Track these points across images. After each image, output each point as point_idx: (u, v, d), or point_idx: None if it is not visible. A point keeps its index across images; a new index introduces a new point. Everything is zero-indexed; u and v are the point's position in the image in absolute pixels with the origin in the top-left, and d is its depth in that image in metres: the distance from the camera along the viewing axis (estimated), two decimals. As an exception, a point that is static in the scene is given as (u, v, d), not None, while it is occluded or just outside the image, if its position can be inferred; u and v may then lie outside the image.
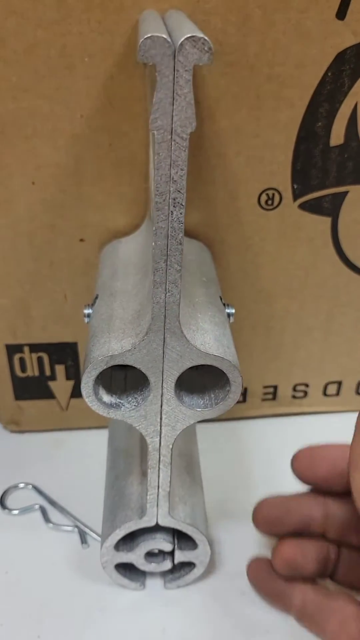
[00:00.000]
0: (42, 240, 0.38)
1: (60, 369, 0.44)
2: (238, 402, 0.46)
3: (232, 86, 0.34)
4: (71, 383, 0.44)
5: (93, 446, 0.44)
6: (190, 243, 0.37)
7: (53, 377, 0.44)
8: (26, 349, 0.42)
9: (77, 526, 0.39)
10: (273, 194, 0.37)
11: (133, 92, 0.34)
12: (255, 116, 0.35)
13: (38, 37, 0.32)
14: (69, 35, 0.32)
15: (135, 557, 0.34)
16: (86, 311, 0.33)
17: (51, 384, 0.44)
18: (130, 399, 0.29)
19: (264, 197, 0.37)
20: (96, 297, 0.33)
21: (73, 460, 0.44)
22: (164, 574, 0.36)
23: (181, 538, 0.35)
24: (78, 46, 0.32)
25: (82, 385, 0.28)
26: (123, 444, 0.38)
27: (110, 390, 0.29)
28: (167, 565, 0.35)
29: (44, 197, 0.36)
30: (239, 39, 0.32)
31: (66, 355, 0.43)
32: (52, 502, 0.41)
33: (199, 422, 0.45)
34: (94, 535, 0.38)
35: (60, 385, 0.44)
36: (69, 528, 0.39)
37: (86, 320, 0.33)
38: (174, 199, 0.24)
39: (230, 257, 0.39)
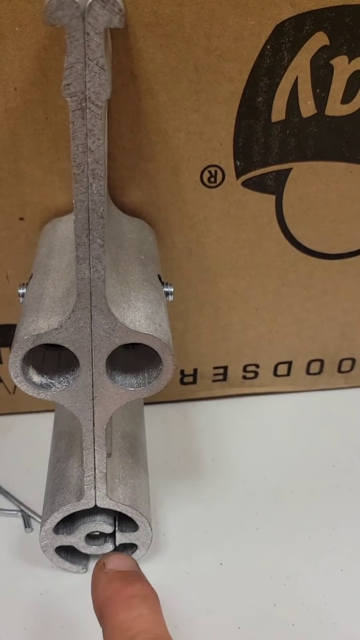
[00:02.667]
0: (-21, 219, 0.37)
1: (5, 352, 0.43)
2: (189, 383, 0.46)
3: (169, 59, 0.33)
4: (17, 366, 0.43)
5: (42, 430, 0.43)
6: (132, 221, 0.37)
7: (-2, 361, 0.43)
8: (-32, 331, 0.41)
9: (21, 510, 0.38)
10: (215, 171, 0.37)
11: (67, 64, 0.33)
12: (194, 90, 0.34)
13: None
14: (-3, 3, 0.31)
15: (76, 540, 0.34)
16: (20, 290, 0.32)
17: (-3, 367, 0.43)
18: (61, 379, 0.29)
19: (206, 175, 0.37)
20: (31, 276, 0.32)
21: (21, 444, 0.43)
22: (107, 556, 0.36)
23: (123, 520, 0.34)
24: (7, 15, 0.31)
25: (10, 365, 0.27)
26: (66, 426, 0.37)
27: (41, 370, 0.29)
28: (108, 547, 0.34)
29: (-21, 174, 0.35)
30: (174, 8, 0.31)
31: (11, 337, 0.42)
32: (-3, 487, 0.40)
33: (149, 403, 0.45)
34: (39, 519, 0.38)
35: (7, 369, 0.43)
36: (14, 512, 0.38)
37: (20, 300, 0.32)
38: (93, 170, 0.23)
39: (175, 236, 0.39)
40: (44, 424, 0.44)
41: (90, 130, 0.22)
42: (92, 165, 0.23)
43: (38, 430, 0.44)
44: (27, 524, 0.38)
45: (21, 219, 0.37)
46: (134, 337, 0.27)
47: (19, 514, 0.38)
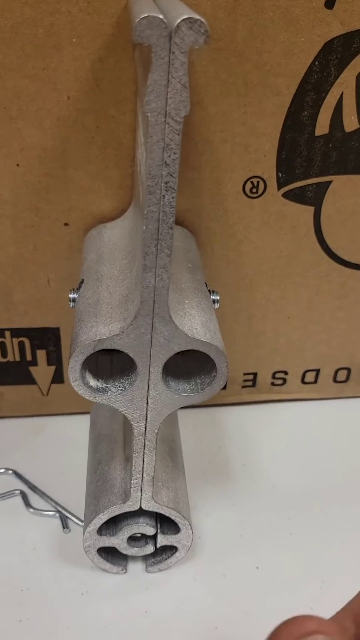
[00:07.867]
0: (25, 224, 0.37)
1: (41, 354, 0.43)
2: (219, 388, 0.47)
3: (220, 72, 0.34)
4: (52, 368, 0.44)
5: (73, 432, 0.44)
6: (176, 230, 0.37)
7: (34, 363, 0.44)
8: (7, 333, 0.42)
9: (58, 511, 0.39)
10: (258, 182, 0.37)
11: (121, 75, 0.33)
12: (242, 103, 0.35)
13: (25, 14, 0.31)
14: (57, 14, 0.31)
15: (118, 541, 0.34)
16: (72, 295, 0.33)
17: (32, 369, 0.44)
18: (116, 384, 0.29)
19: (248, 185, 0.37)
20: (81, 282, 0.33)
21: (53, 445, 0.44)
22: (145, 558, 0.36)
23: (163, 522, 0.35)
24: (66, 26, 0.32)
25: (69, 369, 0.28)
26: (106, 429, 0.38)
27: (96, 375, 0.29)
28: (149, 549, 0.35)
29: (29, 180, 0.36)
30: (228, 24, 0.32)
31: (48, 340, 0.43)
32: (33, 488, 0.40)
33: (180, 408, 0.46)
34: (75, 520, 0.38)
35: (42, 371, 0.44)
36: (50, 513, 0.39)
37: (71, 304, 0.33)
38: (166, 183, 0.24)
39: (215, 244, 0.40)
40: (75, 425, 0.44)
41: (167, 145, 0.23)
42: (166, 178, 0.23)
43: (69, 431, 0.45)
44: (64, 525, 0.38)
45: (66, 224, 0.38)
46: (192, 344, 0.28)
47: (56, 514, 0.39)
